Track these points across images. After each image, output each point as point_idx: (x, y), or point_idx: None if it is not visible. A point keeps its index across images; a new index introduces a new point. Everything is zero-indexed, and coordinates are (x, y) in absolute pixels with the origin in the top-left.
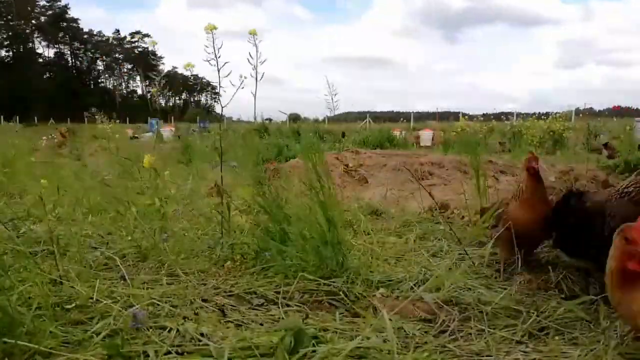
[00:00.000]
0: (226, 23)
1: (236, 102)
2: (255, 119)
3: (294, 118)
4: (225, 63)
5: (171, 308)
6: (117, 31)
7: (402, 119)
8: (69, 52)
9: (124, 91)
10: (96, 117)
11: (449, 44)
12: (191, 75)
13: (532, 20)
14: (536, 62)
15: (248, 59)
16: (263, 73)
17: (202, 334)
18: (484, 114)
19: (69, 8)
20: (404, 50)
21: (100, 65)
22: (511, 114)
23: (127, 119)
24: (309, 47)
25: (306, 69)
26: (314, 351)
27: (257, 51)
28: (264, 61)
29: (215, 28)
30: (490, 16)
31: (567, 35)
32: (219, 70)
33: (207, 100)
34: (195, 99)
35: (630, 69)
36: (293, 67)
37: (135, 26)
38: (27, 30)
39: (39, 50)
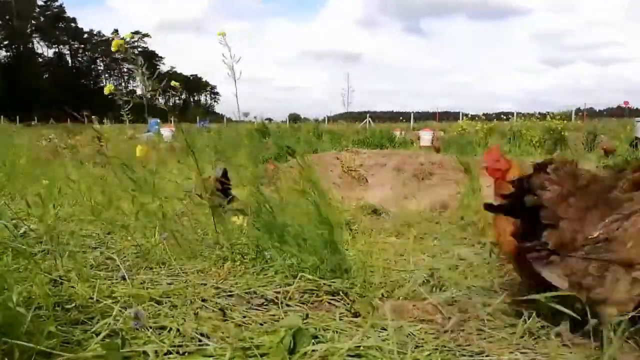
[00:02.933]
0: (167, 12)
1: (234, 103)
2: (239, 118)
3: (294, 118)
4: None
5: (171, 308)
6: (116, 31)
7: (401, 119)
8: (68, 52)
9: (124, 91)
10: (92, 117)
11: (415, 36)
12: (190, 76)
13: (501, 11)
14: (518, 58)
15: (223, 60)
16: (241, 72)
17: (202, 334)
18: (484, 113)
19: (64, 7)
20: (375, 44)
21: (100, 65)
22: (511, 113)
23: (127, 119)
24: (274, 42)
25: (282, 65)
26: (313, 350)
27: (229, 51)
28: (239, 59)
29: None
30: (455, 6)
31: (543, 27)
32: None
33: (206, 100)
34: (195, 98)
35: (618, 65)
36: (268, 63)
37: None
38: (27, 30)
39: (39, 50)
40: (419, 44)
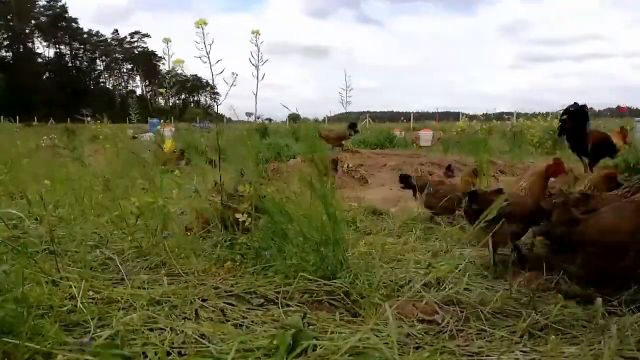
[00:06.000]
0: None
1: (235, 103)
2: (255, 118)
3: (294, 118)
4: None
5: (171, 308)
6: (116, 31)
7: (402, 119)
8: (68, 52)
9: (124, 91)
10: (89, 118)
11: (378, 28)
12: (190, 76)
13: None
14: (496, 55)
15: (249, 59)
16: (264, 74)
17: (202, 335)
18: (484, 113)
19: (67, 7)
20: (339, 38)
21: (100, 65)
22: (511, 113)
23: (127, 119)
24: (228, 38)
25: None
26: (314, 349)
27: (258, 51)
28: (266, 61)
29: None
30: None
31: (518, 20)
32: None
33: (206, 100)
34: (195, 99)
35: (602, 62)
36: (234, 60)
37: None
38: (27, 30)
39: (39, 50)
40: (386, 37)
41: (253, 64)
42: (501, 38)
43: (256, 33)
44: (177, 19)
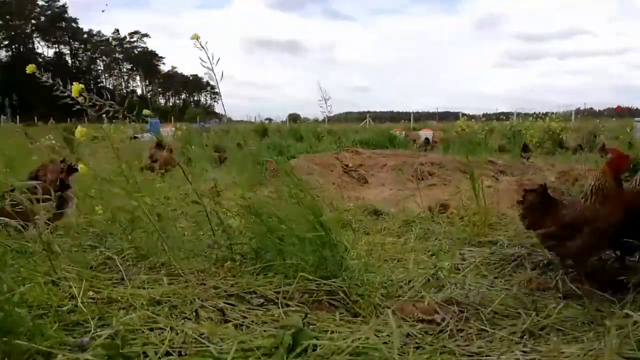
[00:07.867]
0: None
1: (234, 103)
2: (226, 119)
3: (294, 118)
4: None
5: (171, 308)
6: (117, 31)
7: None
8: (68, 52)
9: (124, 91)
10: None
11: (355, 22)
12: (191, 76)
13: None
14: (486, 54)
15: (201, 63)
16: (222, 72)
17: (202, 335)
18: (484, 114)
19: (67, 7)
20: (316, 31)
21: (100, 65)
22: (511, 114)
23: (127, 119)
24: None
25: (227, 59)
26: (314, 349)
27: (206, 53)
28: (218, 60)
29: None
30: None
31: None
32: None
33: (206, 100)
34: (195, 98)
35: (594, 60)
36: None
37: None
38: (27, 30)
39: (39, 50)
40: (370, 35)
41: (207, 68)
42: (493, 36)
43: (196, 37)
44: (151, 16)
